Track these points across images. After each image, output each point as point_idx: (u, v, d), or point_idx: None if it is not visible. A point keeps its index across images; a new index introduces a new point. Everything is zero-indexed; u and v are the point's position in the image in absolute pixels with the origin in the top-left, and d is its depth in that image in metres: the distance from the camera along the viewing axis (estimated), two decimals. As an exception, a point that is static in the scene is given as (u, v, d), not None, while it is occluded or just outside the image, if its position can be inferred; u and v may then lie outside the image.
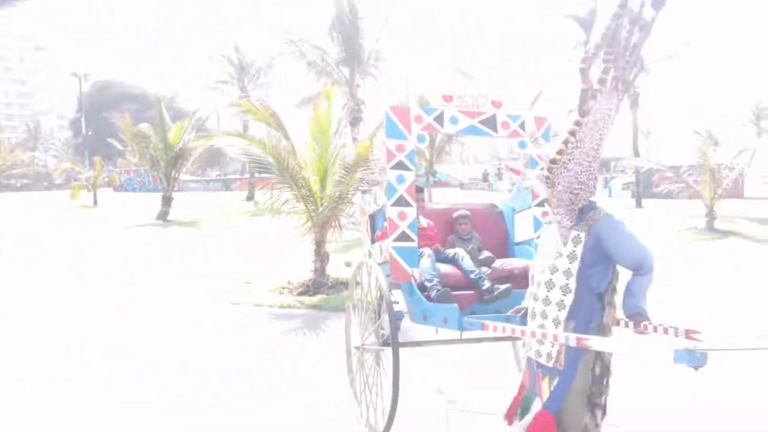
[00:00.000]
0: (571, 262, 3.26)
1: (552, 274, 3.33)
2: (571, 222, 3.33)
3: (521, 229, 5.35)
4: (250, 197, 33.11)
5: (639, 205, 27.31)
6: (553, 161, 3.33)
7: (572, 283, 3.24)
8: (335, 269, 11.25)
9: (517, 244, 5.37)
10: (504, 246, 5.41)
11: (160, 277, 12.06)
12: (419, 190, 5.11)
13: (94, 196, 31.50)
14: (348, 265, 12.59)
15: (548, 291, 3.34)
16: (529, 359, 3.53)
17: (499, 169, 45.63)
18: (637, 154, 27.87)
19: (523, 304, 3.66)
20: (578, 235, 3.27)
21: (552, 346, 3.27)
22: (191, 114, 24.55)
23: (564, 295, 3.26)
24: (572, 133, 3.26)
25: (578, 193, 3.31)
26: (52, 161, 74.66)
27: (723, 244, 16.13)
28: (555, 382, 3.28)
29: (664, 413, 5.04)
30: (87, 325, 8.39)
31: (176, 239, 18.32)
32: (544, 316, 3.33)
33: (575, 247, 3.26)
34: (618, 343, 3.05)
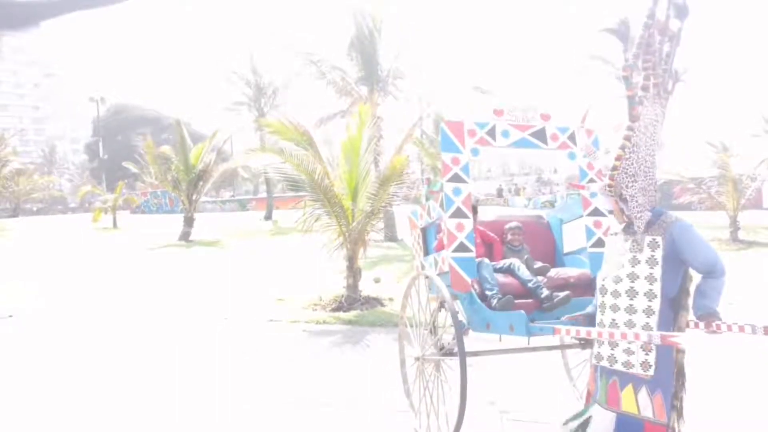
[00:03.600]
0: (652, 267, 3.31)
1: (632, 282, 3.36)
2: (640, 228, 3.41)
3: (570, 239, 5.44)
4: (267, 217, 33.34)
5: (658, 217, 27.17)
6: (613, 168, 3.43)
7: (656, 288, 3.29)
8: (364, 285, 11.34)
9: (566, 254, 5.46)
10: (552, 256, 5.49)
11: (192, 297, 12.18)
12: (474, 209, 5.23)
13: (114, 218, 31.79)
14: (377, 281, 12.68)
15: (631, 299, 3.36)
16: (599, 368, 3.56)
17: (515, 184, 45.71)
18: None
19: (599, 318, 3.60)
20: (654, 239, 3.34)
21: (647, 355, 3.28)
22: (211, 135, 24.83)
23: (650, 300, 3.30)
24: (627, 138, 3.37)
25: (643, 197, 3.40)
26: (67, 185, 75.48)
27: (748, 254, 16.10)
28: (644, 392, 3.30)
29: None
30: (126, 343, 8.50)
31: (201, 259, 18.48)
32: (631, 325, 3.34)
33: (653, 251, 3.32)
34: (705, 340, 3.11)
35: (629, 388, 3.38)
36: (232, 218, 36.19)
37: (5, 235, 26.67)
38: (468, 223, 4.72)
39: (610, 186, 3.47)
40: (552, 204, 30.27)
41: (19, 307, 11.29)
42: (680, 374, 3.39)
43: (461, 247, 4.66)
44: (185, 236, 23.40)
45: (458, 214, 4.70)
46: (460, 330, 4.23)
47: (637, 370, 3.32)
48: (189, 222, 23.79)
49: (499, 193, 45.00)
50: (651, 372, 3.29)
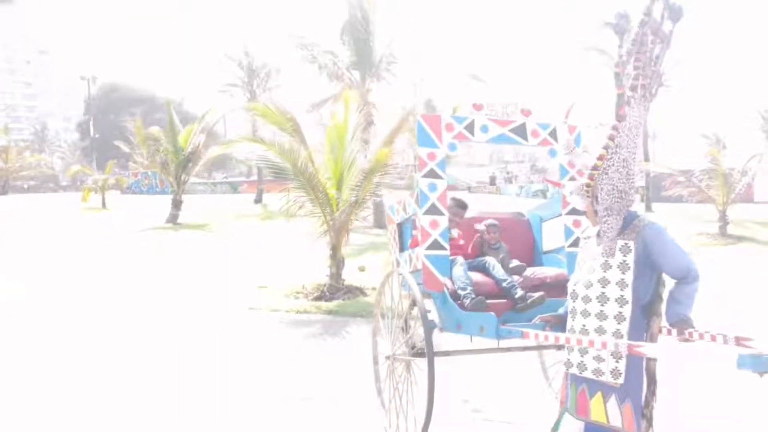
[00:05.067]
0: (623, 273, 3.21)
1: (604, 287, 3.26)
2: (615, 232, 3.30)
3: (550, 238, 5.33)
4: (258, 200, 33.17)
5: (649, 209, 27.26)
6: (594, 168, 3.32)
7: (627, 294, 3.19)
8: (348, 274, 11.24)
9: (545, 253, 5.35)
10: (531, 255, 5.39)
11: (175, 282, 12.06)
12: (463, 206, 5.11)
13: (103, 198, 31.51)
14: (362, 269, 12.58)
15: (602, 305, 3.26)
16: (570, 376, 3.46)
17: (508, 172, 45.69)
18: (647, 158, 27.78)
19: (569, 324, 3.50)
20: (626, 244, 3.24)
21: (617, 362, 3.18)
22: (200, 117, 24.48)
23: (621, 306, 3.20)
24: (611, 138, 3.27)
25: (620, 201, 3.29)
26: (59, 163, 74.92)
27: (737, 249, 16.08)
28: (614, 401, 3.21)
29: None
30: (105, 329, 8.39)
31: (187, 243, 18.33)
32: (601, 331, 3.24)
33: (625, 256, 3.22)
34: (673, 349, 3.01)
35: (598, 396, 3.29)
36: (222, 201, 35.94)
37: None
38: (443, 220, 4.59)
39: (588, 186, 3.36)
40: (544, 193, 30.25)
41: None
42: (651, 382, 3.31)
43: (435, 245, 4.53)
44: (173, 219, 23.18)
45: (433, 210, 4.57)
46: (429, 330, 4.13)
47: (607, 378, 3.23)
48: (177, 204, 23.55)
49: (492, 181, 44.94)
50: (621, 380, 3.20)
